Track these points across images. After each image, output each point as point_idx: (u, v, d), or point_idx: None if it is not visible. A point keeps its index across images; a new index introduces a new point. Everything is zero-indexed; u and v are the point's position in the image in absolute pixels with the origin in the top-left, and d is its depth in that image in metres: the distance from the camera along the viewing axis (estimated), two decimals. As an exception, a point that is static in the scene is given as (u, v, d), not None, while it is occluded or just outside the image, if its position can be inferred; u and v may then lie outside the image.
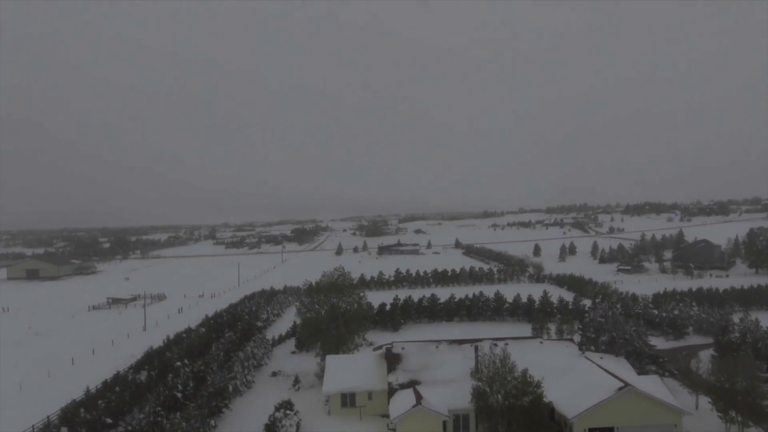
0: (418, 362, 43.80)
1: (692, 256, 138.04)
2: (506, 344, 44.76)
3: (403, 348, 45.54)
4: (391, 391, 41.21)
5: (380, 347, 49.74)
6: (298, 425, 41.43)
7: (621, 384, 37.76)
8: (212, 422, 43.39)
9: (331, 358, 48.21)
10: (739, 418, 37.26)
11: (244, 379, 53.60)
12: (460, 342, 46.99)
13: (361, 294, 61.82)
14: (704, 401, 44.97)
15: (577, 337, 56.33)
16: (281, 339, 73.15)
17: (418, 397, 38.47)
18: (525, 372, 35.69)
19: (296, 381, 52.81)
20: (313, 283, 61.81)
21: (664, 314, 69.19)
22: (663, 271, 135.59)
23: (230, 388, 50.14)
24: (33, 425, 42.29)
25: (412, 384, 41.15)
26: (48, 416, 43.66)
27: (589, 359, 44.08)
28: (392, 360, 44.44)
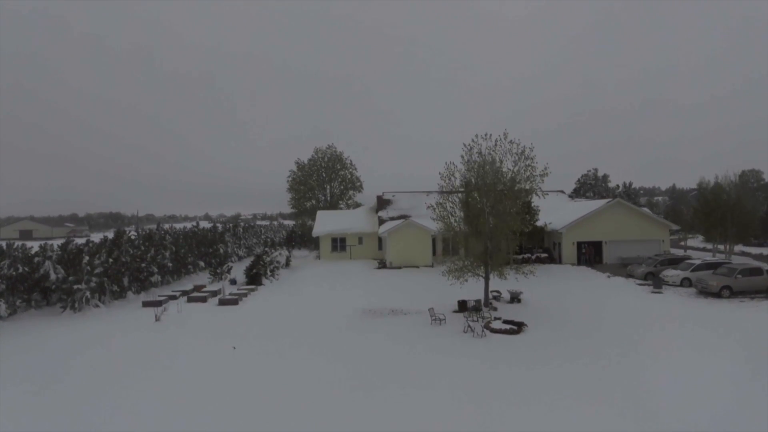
0: (408, 204, 43.91)
1: (684, 204, 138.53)
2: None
3: (393, 195, 45.63)
4: (381, 222, 41.30)
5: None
6: (288, 258, 41.59)
7: (610, 200, 38.02)
8: (201, 263, 43.51)
9: (322, 213, 48.22)
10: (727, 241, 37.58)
11: (235, 251, 53.65)
12: (452, 192, 47.01)
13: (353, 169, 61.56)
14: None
15: None
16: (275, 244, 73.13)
17: (408, 220, 38.58)
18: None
19: (289, 251, 52.98)
20: (305, 162, 61.09)
21: (657, 213, 69.58)
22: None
23: (221, 249, 50.19)
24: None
25: (403, 216, 41.26)
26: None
27: (578, 201, 44.32)
28: (383, 203, 44.59)
